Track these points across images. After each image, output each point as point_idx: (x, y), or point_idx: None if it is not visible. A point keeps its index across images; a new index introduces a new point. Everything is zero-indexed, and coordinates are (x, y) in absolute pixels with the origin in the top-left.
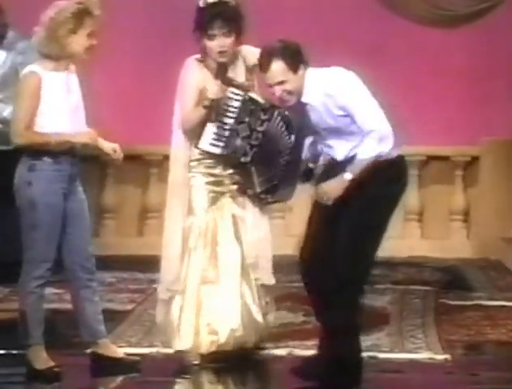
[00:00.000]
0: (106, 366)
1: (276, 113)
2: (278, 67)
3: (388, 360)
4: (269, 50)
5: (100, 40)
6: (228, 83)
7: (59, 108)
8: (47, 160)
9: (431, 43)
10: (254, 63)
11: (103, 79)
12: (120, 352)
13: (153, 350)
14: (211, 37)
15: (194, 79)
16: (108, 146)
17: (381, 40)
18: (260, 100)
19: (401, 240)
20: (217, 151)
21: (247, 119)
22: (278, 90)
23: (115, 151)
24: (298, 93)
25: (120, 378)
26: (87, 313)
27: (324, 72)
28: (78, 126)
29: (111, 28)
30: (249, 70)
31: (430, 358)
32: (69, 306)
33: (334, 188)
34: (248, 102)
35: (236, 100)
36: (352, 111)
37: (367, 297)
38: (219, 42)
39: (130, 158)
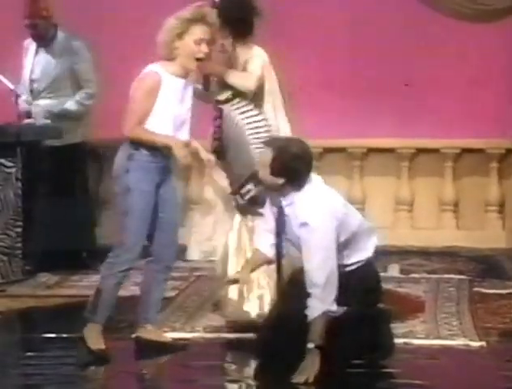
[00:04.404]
0: (151, 350)
1: None
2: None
3: (423, 346)
4: (275, 139)
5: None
6: None
7: (170, 113)
8: (144, 151)
9: (466, 37)
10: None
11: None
12: (166, 336)
13: (195, 335)
14: None
15: None
16: (205, 155)
17: (416, 35)
18: None
19: (437, 230)
20: None
21: None
22: None
23: (209, 160)
24: None
25: (163, 362)
26: (151, 297)
27: (311, 200)
28: (181, 132)
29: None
30: None
31: (465, 345)
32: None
33: (313, 367)
34: None
35: None
36: (303, 256)
37: (403, 285)
38: None
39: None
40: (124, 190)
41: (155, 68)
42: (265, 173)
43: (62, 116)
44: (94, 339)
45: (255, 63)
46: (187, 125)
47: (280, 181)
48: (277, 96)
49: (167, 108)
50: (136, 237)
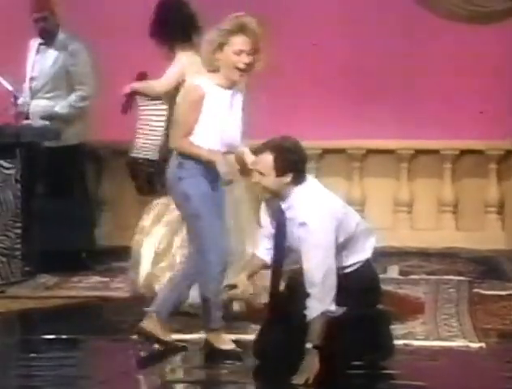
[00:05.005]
0: (152, 350)
1: None
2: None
3: (423, 347)
4: (266, 144)
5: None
6: None
7: (217, 125)
8: (193, 161)
9: (464, 39)
10: None
11: None
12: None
13: (195, 336)
14: None
15: None
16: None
17: (414, 37)
18: None
19: (436, 231)
20: None
21: None
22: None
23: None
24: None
25: (164, 362)
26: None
27: (310, 200)
28: (232, 141)
29: None
30: None
31: (465, 346)
32: (115, 294)
33: (312, 368)
34: None
35: None
36: (302, 256)
37: (402, 286)
38: None
39: None
40: (183, 197)
41: (200, 81)
42: (269, 179)
43: (53, 118)
44: (223, 341)
45: (171, 69)
46: (238, 135)
47: (288, 178)
48: None
49: (213, 120)
50: (217, 237)
